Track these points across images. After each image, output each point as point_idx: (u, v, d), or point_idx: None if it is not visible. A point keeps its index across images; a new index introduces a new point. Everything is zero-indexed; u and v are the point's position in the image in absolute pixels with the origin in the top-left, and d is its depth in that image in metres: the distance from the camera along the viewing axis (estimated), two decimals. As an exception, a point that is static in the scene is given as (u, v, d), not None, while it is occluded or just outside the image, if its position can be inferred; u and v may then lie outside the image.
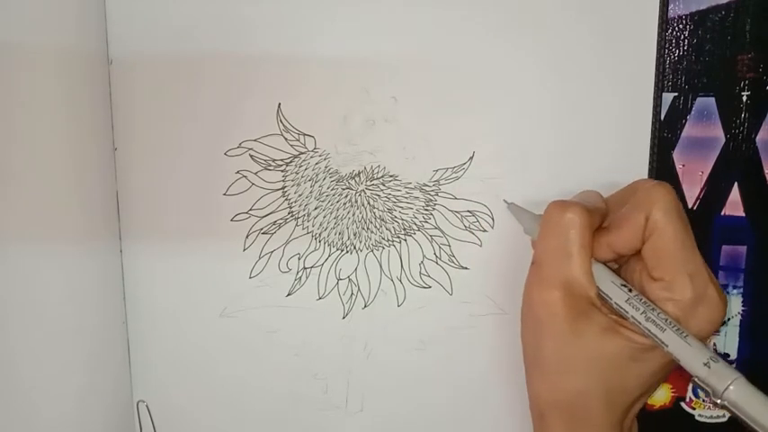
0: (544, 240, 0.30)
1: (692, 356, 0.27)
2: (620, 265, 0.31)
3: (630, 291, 0.29)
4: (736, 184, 0.34)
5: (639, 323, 0.28)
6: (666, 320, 0.28)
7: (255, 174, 0.35)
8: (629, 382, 0.29)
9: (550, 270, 0.29)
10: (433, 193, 0.35)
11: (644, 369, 0.29)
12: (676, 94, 0.34)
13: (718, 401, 0.26)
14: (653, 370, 0.29)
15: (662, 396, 0.36)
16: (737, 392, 0.26)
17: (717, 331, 0.36)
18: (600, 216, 0.30)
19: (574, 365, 0.29)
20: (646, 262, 0.29)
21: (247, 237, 0.35)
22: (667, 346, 0.27)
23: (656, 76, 0.33)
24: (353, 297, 0.36)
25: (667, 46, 0.33)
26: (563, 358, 0.29)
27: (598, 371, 0.29)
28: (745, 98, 0.33)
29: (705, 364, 0.27)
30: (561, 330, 0.29)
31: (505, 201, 0.34)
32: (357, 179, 0.35)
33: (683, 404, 0.37)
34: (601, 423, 0.29)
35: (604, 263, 0.30)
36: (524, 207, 0.33)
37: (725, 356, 0.36)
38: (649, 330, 0.28)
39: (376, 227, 0.35)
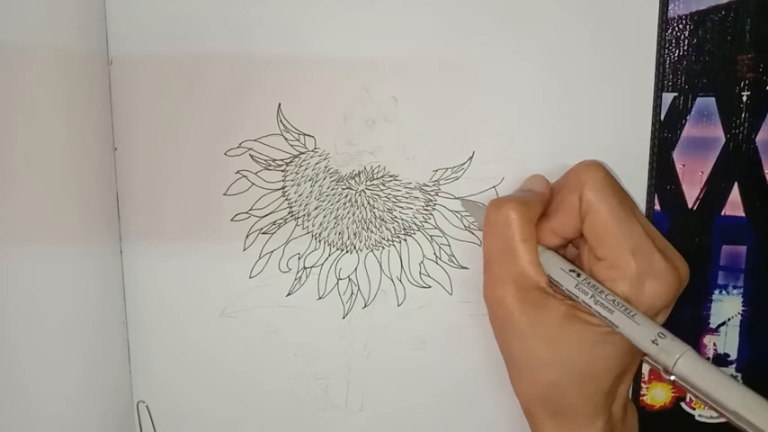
0: (487, 240, 0.30)
1: (640, 335, 0.27)
2: (577, 249, 0.32)
3: (579, 275, 0.29)
4: (736, 184, 0.34)
5: (590, 306, 0.28)
6: (614, 301, 0.28)
7: (255, 174, 0.35)
8: (597, 366, 0.29)
9: (499, 268, 0.30)
10: (432, 193, 0.35)
11: (610, 351, 0.29)
12: (676, 94, 0.33)
13: (669, 378, 0.26)
14: (619, 352, 0.29)
15: (662, 396, 0.36)
16: (686, 366, 0.26)
17: (717, 331, 0.36)
18: (541, 204, 0.30)
19: (541, 358, 0.29)
20: (588, 242, 0.29)
21: (247, 237, 0.35)
22: (618, 327, 0.27)
23: (656, 76, 0.33)
24: (353, 297, 0.36)
25: (667, 46, 0.33)
26: (529, 353, 0.29)
27: (565, 359, 0.29)
28: (745, 98, 0.33)
29: (653, 342, 0.27)
30: (521, 325, 0.29)
31: (456, 197, 0.34)
32: (357, 179, 0.35)
33: (683, 404, 0.37)
34: (583, 411, 0.29)
35: (556, 249, 0.30)
36: (475, 201, 0.33)
37: (725, 356, 0.36)
38: (599, 313, 0.28)
39: (376, 227, 0.35)
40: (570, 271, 0.29)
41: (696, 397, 0.26)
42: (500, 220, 0.29)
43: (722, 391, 0.25)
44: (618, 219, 0.28)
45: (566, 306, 0.29)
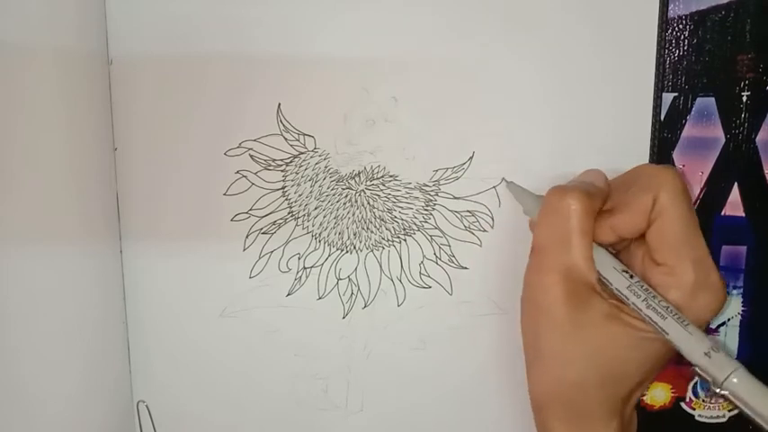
0: (544, 226, 0.29)
1: (692, 345, 0.27)
2: (619, 250, 0.31)
3: (632, 277, 0.28)
4: (736, 184, 0.34)
5: (640, 310, 0.28)
6: (668, 308, 0.27)
7: (255, 174, 0.35)
8: (629, 369, 0.29)
9: (550, 256, 0.29)
10: (432, 193, 0.35)
11: (644, 357, 0.29)
12: (676, 94, 0.34)
13: (719, 391, 0.26)
14: (654, 358, 0.29)
15: (662, 396, 0.36)
16: (738, 383, 0.26)
17: (717, 330, 0.36)
18: (601, 199, 0.30)
19: (572, 355, 0.29)
20: (649, 245, 0.29)
21: (247, 237, 0.35)
22: (668, 334, 0.27)
23: (656, 76, 0.33)
24: (353, 297, 0.36)
25: (667, 46, 0.33)
26: (561, 347, 0.29)
27: (598, 359, 0.28)
28: (745, 98, 0.33)
29: (706, 354, 0.27)
30: (560, 317, 0.28)
31: (504, 179, 0.34)
32: (357, 179, 0.35)
33: (683, 404, 0.37)
34: (600, 414, 0.29)
35: (606, 247, 0.30)
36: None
37: (725, 356, 0.36)
38: (650, 318, 0.28)
39: (376, 227, 0.35)
40: (623, 271, 0.29)
41: (744, 414, 0.26)
42: (562, 207, 0.28)
43: None
44: (688, 227, 0.28)
45: (609, 306, 0.29)
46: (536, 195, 0.32)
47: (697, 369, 0.27)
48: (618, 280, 0.29)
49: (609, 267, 0.29)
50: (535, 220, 0.30)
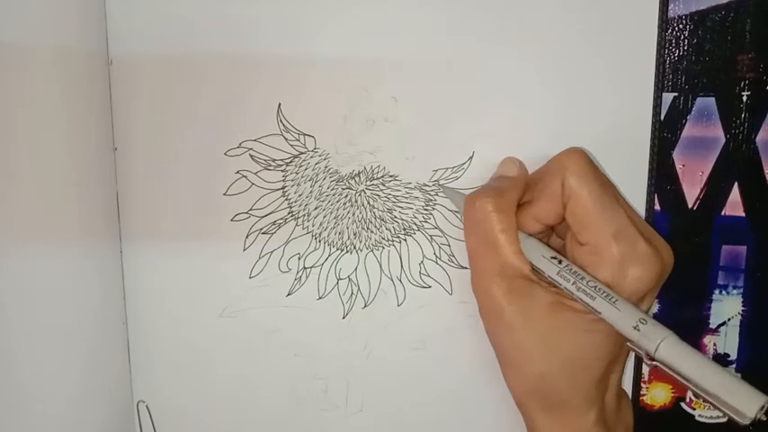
0: (468, 234, 0.30)
1: (622, 321, 0.27)
2: (560, 236, 0.32)
3: (561, 262, 0.29)
4: (736, 184, 0.34)
5: (572, 293, 0.28)
6: (596, 288, 0.27)
7: (255, 174, 0.35)
8: (587, 355, 0.29)
9: (482, 261, 0.30)
10: (432, 192, 0.35)
11: (599, 339, 0.29)
12: (676, 94, 0.33)
13: (650, 363, 0.26)
14: (608, 339, 0.29)
15: (662, 396, 0.36)
16: (667, 350, 0.26)
17: (717, 331, 0.36)
18: (516, 190, 0.30)
19: (530, 349, 0.29)
20: (571, 228, 0.29)
21: (247, 237, 0.35)
22: (600, 313, 0.27)
23: (656, 76, 0.33)
24: (353, 297, 0.36)
25: (667, 46, 0.33)
26: (518, 345, 0.29)
27: (554, 349, 0.29)
28: (745, 98, 0.33)
29: (635, 327, 0.27)
30: (509, 316, 0.29)
31: (438, 182, 0.34)
32: (357, 179, 0.35)
33: (683, 404, 0.37)
34: (575, 402, 0.29)
35: (539, 237, 0.30)
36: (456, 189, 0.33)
37: (725, 356, 0.36)
38: (581, 300, 0.28)
39: (376, 227, 0.35)
40: (552, 258, 0.29)
41: (678, 381, 0.26)
42: (477, 214, 0.29)
43: (703, 375, 0.26)
44: (600, 203, 0.28)
45: (552, 294, 0.29)
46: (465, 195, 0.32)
47: (630, 344, 0.27)
48: (548, 267, 0.29)
49: (538, 256, 0.29)
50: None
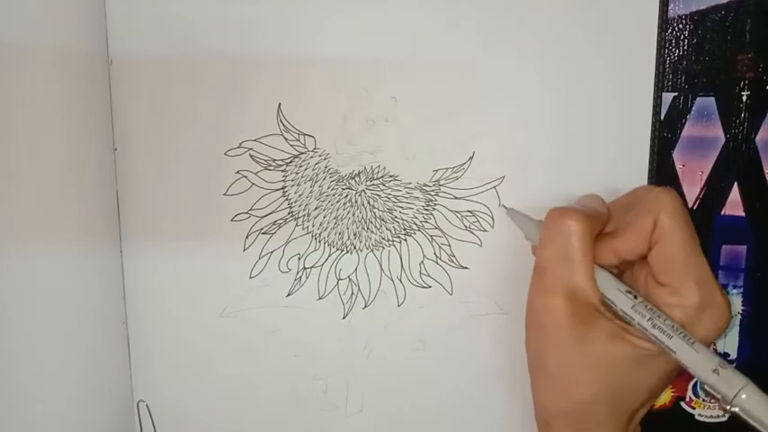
0: (545, 248, 0.29)
1: (700, 363, 0.27)
2: (622, 271, 0.31)
3: (636, 297, 0.29)
4: (736, 184, 0.34)
5: (646, 330, 0.28)
6: (673, 327, 0.27)
7: (255, 174, 0.35)
8: (635, 388, 0.29)
9: (553, 278, 0.29)
10: (433, 193, 0.35)
11: (650, 375, 0.29)
12: (676, 94, 0.34)
13: (728, 407, 0.26)
14: (659, 375, 0.29)
15: (662, 396, 0.36)
16: (748, 399, 0.26)
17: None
18: (601, 221, 0.30)
19: (579, 374, 0.29)
20: (652, 267, 0.29)
21: (247, 237, 0.35)
22: (675, 353, 0.27)
23: (656, 76, 0.33)
24: (353, 297, 0.36)
25: (667, 46, 0.33)
26: (568, 367, 0.29)
27: (604, 378, 0.29)
28: (745, 98, 0.33)
29: (714, 371, 0.27)
30: (566, 338, 0.29)
31: (504, 206, 0.34)
32: (357, 179, 0.35)
33: (683, 404, 0.37)
34: (608, 429, 0.29)
35: (608, 269, 0.30)
36: (524, 211, 0.33)
37: (725, 356, 0.36)
38: (656, 337, 0.28)
39: (376, 227, 0.35)
40: (627, 292, 0.29)
41: (754, 428, 0.26)
42: (563, 228, 0.29)
43: None
44: (690, 248, 0.28)
45: (613, 326, 0.29)
46: (536, 220, 0.31)
47: (707, 387, 0.27)
48: (622, 301, 0.29)
49: (612, 288, 0.29)
50: (537, 245, 0.30)
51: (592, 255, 0.29)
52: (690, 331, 0.28)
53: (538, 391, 0.31)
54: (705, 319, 0.28)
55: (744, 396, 0.26)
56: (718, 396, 0.27)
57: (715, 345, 0.36)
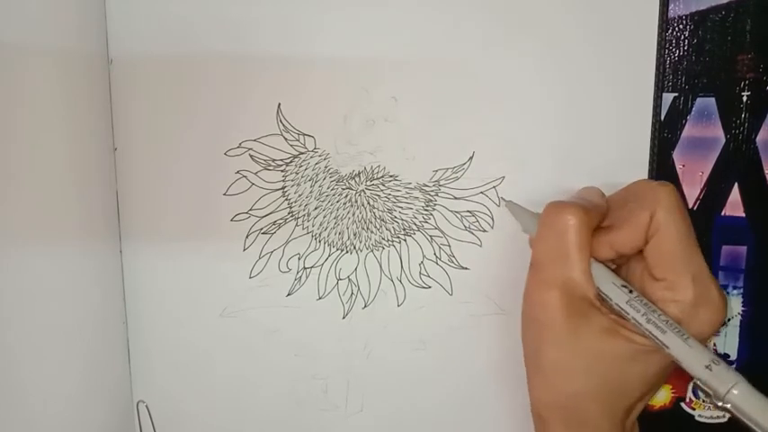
0: (542, 241, 0.29)
1: (693, 359, 0.27)
2: (618, 266, 0.31)
3: (631, 292, 0.29)
4: (736, 184, 0.34)
5: (640, 324, 0.28)
6: (667, 322, 0.27)
7: (255, 174, 0.35)
8: (629, 383, 0.29)
9: (549, 271, 0.29)
10: (432, 193, 0.35)
11: (645, 370, 0.29)
12: (676, 94, 0.33)
13: (720, 404, 0.26)
14: (654, 371, 0.29)
15: (662, 396, 0.36)
16: (739, 395, 0.26)
17: (717, 332, 0.36)
18: (599, 215, 0.30)
19: (573, 367, 0.29)
20: (648, 261, 0.29)
21: (247, 237, 0.35)
22: (668, 348, 0.27)
23: (656, 76, 0.33)
24: (353, 297, 0.36)
25: (667, 46, 0.33)
26: (562, 360, 0.29)
27: (598, 372, 0.29)
28: (745, 98, 0.33)
29: (707, 367, 0.27)
30: (560, 332, 0.29)
31: (503, 198, 0.34)
32: (357, 179, 0.35)
33: (682, 404, 0.37)
34: (601, 425, 0.29)
35: (604, 263, 0.30)
36: (523, 205, 0.33)
37: (725, 357, 0.36)
38: (650, 332, 0.28)
39: (376, 227, 0.35)
40: (622, 286, 0.29)
41: (745, 426, 0.26)
42: (560, 223, 0.29)
43: None
44: (686, 243, 0.28)
45: (608, 320, 0.29)
46: (534, 213, 0.31)
47: (698, 382, 0.27)
48: (617, 295, 0.29)
49: (608, 282, 0.29)
50: (534, 237, 0.30)
51: (588, 249, 0.29)
52: (685, 327, 0.28)
53: (533, 384, 0.31)
54: (700, 315, 0.28)
55: (735, 392, 0.26)
56: (710, 392, 0.27)
57: (715, 345, 0.36)
